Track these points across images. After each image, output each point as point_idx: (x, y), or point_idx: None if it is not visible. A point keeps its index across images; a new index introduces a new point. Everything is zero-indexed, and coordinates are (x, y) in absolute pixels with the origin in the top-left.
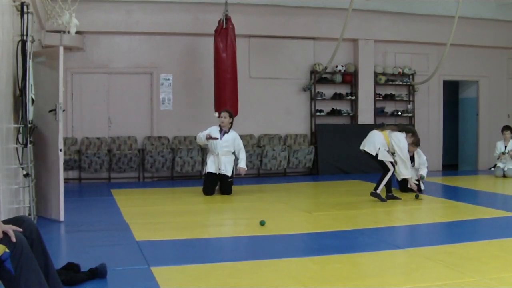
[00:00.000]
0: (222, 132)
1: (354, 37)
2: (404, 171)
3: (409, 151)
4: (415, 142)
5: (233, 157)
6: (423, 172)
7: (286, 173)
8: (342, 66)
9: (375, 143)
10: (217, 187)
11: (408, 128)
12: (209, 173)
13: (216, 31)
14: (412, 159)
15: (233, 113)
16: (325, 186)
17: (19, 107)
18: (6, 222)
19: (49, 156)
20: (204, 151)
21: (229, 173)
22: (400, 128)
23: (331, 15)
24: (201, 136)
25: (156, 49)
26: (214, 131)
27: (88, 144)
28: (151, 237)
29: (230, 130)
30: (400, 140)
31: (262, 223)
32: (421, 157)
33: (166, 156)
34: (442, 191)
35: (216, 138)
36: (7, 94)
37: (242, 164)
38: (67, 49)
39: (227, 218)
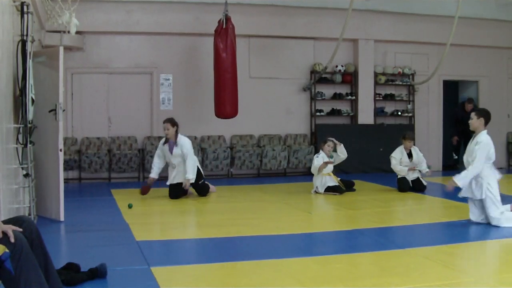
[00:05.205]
0: (170, 144)
1: (354, 37)
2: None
3: (405, 148)
4: (332, 146)
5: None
6: (423, 166)
7: (286, 173)
8: (342, 66)
9: None
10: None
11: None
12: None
13: (216, 31)
14: (409, 155)
15: (175, 121)
16: None
17: (19, 107)
18: (6, 222)
19: (49, 156)
20: (204, 151)
21: (181, 180)
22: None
23: (331, 15)
24: (153, 172)
25: (156, 49)
26: (164, 147)
27: (88, 144)
28: (151, 237)
29: (178, 139)
30: None
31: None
32: (418, 154)
33: None
34: (442, 191)
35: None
36: (7, 94)
37: (188, 174)
38: (67, 49)
39: (227, 218)
